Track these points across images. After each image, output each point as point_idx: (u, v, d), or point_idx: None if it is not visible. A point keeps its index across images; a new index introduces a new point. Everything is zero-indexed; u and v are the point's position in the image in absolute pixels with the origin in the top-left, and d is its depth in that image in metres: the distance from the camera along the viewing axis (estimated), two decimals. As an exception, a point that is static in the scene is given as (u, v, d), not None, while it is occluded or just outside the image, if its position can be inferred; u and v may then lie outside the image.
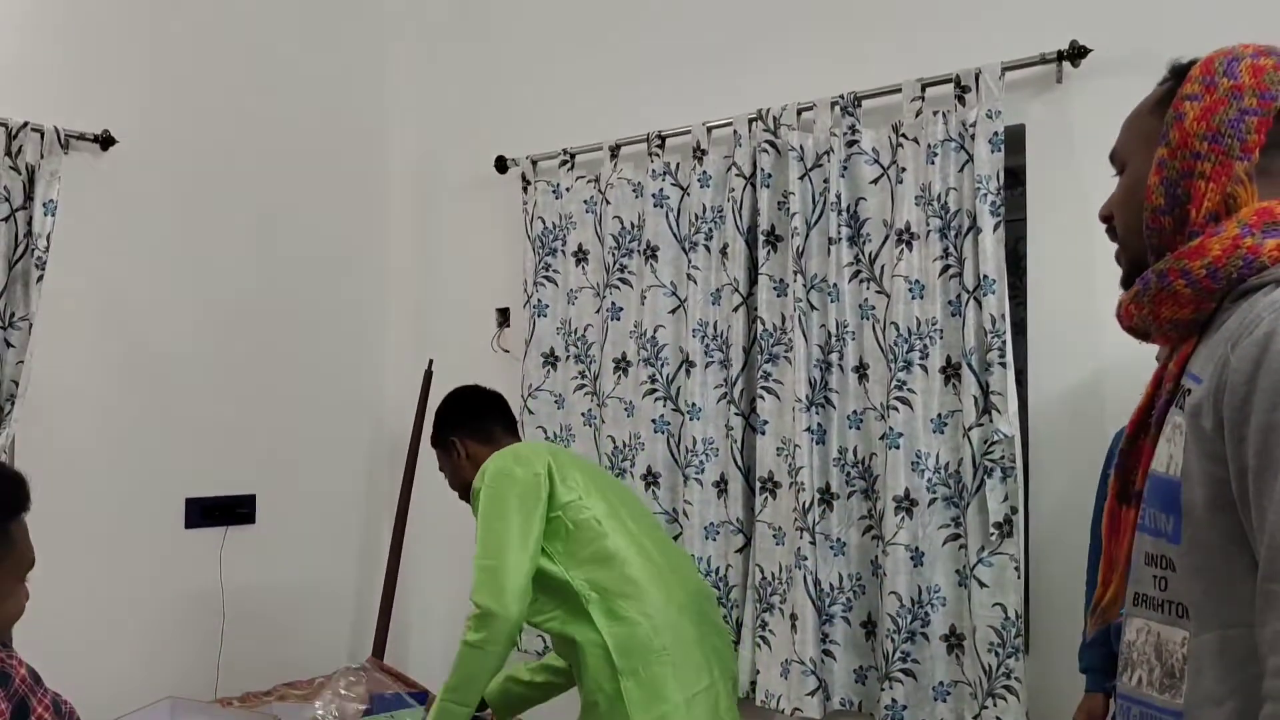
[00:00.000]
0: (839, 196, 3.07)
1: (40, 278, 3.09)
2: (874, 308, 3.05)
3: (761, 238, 3.21)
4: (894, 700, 2.97)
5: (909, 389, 2.95)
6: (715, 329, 3.34)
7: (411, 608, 4.17)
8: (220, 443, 3.71)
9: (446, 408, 2.88)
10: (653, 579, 2.53)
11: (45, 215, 3.10)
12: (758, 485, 3.23)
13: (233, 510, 3.72)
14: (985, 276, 2.81)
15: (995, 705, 2.82)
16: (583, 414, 3.64)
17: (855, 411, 3.10)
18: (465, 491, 2.76)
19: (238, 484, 3.77)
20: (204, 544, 3.65)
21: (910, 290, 2.95)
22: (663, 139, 3.47)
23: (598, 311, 3.62)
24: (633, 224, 3.53)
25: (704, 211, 3.34)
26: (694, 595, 2.65)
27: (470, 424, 2.81)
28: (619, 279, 3.55)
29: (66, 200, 3.15)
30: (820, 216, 3.13)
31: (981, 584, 2.84)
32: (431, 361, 3.99)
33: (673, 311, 3.44)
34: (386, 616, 3.96)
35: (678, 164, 3.46)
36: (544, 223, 3.74)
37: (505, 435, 2.82)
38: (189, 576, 3.61)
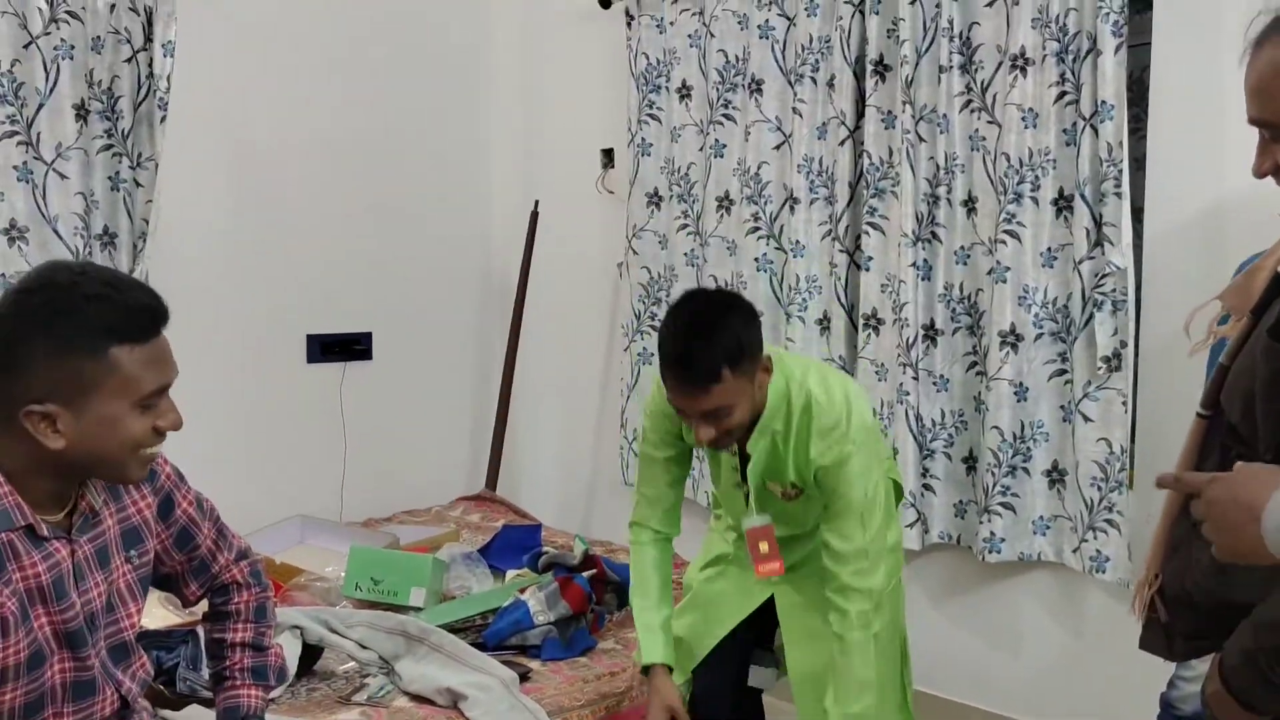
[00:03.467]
0: (951, 22, 2.96)
1: (164, 118, 3.19)
2: (984, 138, 2.97)
3: (870, 68, 3.13)
4: (992, 533, 3.00)
5: (1018, 222, 2.89)
6: (820, 164, 3.29)
7: (522, 443, 4.33)
8: (338, 282, 3.85)
9: (742, 318, 2.06)
10: None
11: (165, 56, 3.18)
12: (861, 322, 3.23)
13: (350, 347, 3.88)
14: (1103, 102, 2.70)
15: (1095, 539, 2.83)
16: (685, 254, 3.66)
17: (962, 246, 3.05)
18: (747, 428, 2.13)
19: (355, 322, 3.92)
20: (324, 378, 3.83)
21: (1023, 119, 2.86)
22: (769, -32, 3.37)
23: (701, 149, 3.59)
24: (737, 57, 3.47)
25: (810, 42, 3.26)
26: None
27: (759, 338, 2.10)
28: (723, 115, 3.50)
29: (184, 41, 3.22)
30: (931, 44, 3.03)
31: (1086, 418, 2.82)
32: (537, 203, 4.03)
33: (777, 148, 3.40)
34: (499, 451, 4.12)
35: (784, -7, 3.36)
36: (648, 59, 3.70)
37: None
38: (311, 408, 3.79)
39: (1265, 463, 1.32)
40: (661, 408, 2.19)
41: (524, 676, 2.39)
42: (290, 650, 2.28)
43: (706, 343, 1.96)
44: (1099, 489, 2.82)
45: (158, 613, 2.49)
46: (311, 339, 3.80)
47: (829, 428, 2.10)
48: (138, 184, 3.23)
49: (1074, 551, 2.91)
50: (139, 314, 1.48)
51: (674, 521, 2.33)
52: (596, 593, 2.73)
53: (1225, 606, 1.42)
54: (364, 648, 2.40)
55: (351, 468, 3.88)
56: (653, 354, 3.64)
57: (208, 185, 3.53)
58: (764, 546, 2.18)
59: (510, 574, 3.03)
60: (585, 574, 2.72)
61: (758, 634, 2.38)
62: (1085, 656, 2.98)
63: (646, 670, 2.25)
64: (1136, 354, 2.82)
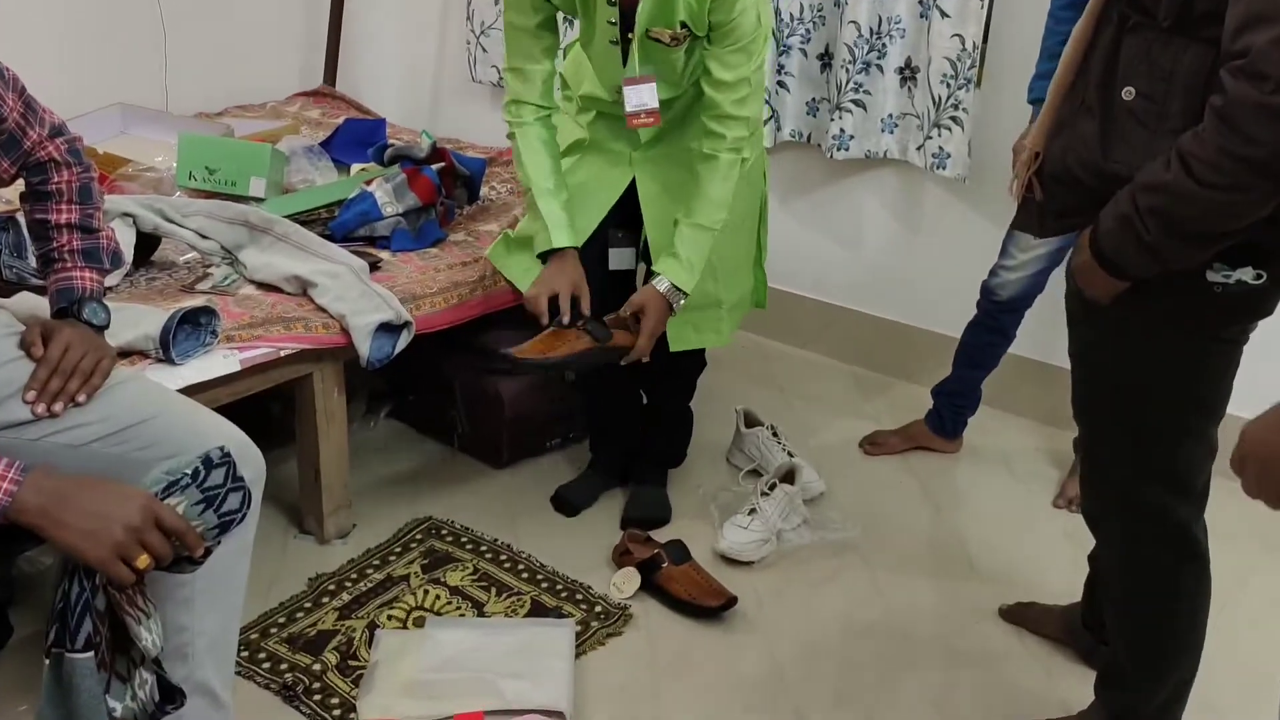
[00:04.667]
0: None
1: None
2: None
3: None
4: (842, 130, 3.02)
5: None
6: None
7: (360, 39, 4.07)
8: None
9: None
10: None
11: None
12: (723, -96, 3.03)
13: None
14: None
15: (939, 136, 2.89)
16: None
17: None
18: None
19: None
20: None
21: None
22: None
23: None
24: None
25: None
26: None
27: None
28: None
29: None
30: None
31: (944, 14, 2.78)
32: None
33: None
34: (335, 44, 3.86)
35: None
36: None
37: None
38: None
39: (1164, 31, 1.32)
40: None
41: (374, 266, 2.37)
42: (124, 238, 2.19)
43: None
44: (948, 86, 2.84)
45: (-28, 202, 2.34)
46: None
47: None
48: None
49: (918, 149, 2.97)
50: None
51: (551, 96, 2.25)
52: (445, 186, 2.67)
53: (1103, 179, 1.47)
54: (204, 237, 2.32)
55: (174, 58, 3.58)
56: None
57: None
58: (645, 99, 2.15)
59: (355, 168, 2.93)
60: (434, 166, 2.64)
61: (619, 223, 2.37)
62: (920, 250, 3.13)
63: (546, 257, 2.22)
64: (1000, -55, 2.75)
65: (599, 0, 2.10)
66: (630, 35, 2.12)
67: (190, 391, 1.96)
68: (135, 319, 1.97)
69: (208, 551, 1.44)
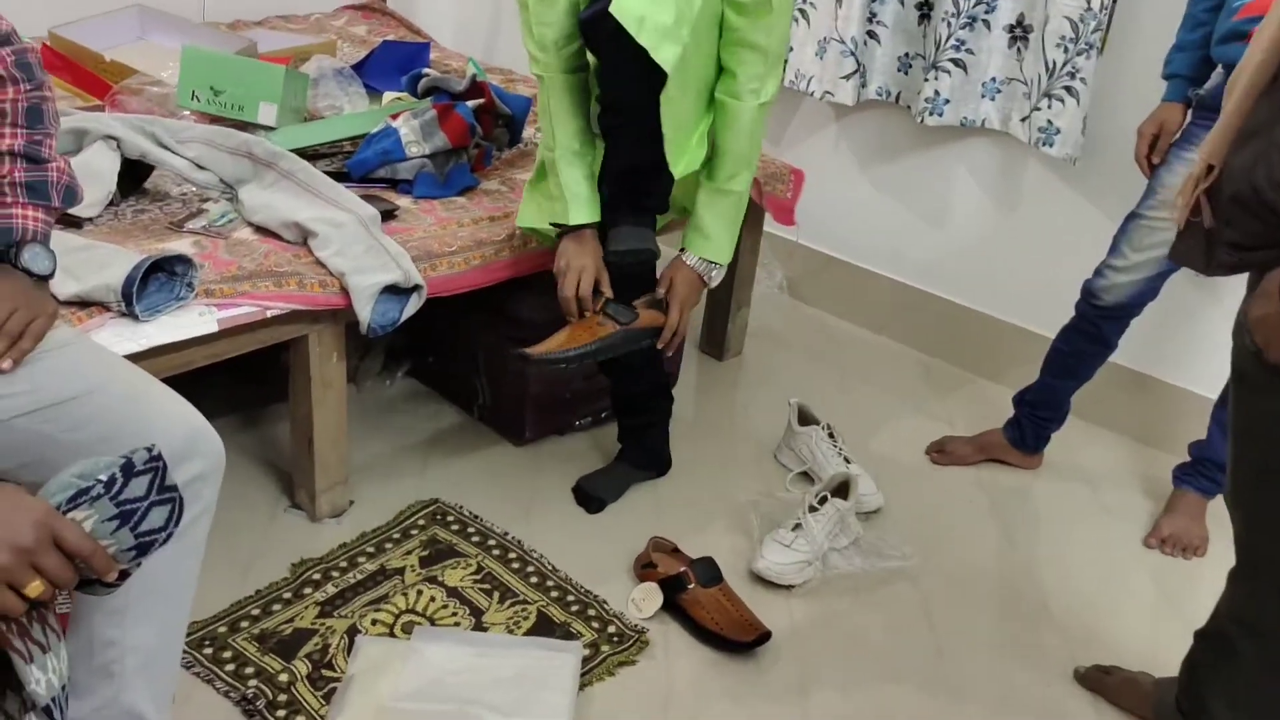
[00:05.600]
0: None
1: None
2: None
3: None
4: (936, 93, 2.66)
5: None
6: None
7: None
8: None
9: None
10: None
11: None
12: None
13: None
14: None
15: (1050, 107, 2.51)
16: None
17: None
18: None
19: None
20: None
21: None
22: None
23: None
24: None
25: None
26: None
27: None
28: None
29: None
30: None
31: (1070, -35, 2.40)
32: None
33: None
34: (389, -47, 3.55)
35: None
36: None
37: None
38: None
39: None
40: None
41: (389, 214, 2.08)
42: (104, 164, 1.92)
43: None
44: (1065, 50, 2.46)
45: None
46: None
47: None
48: None
49: (1023, 120, 2.60)
50: None
51: (583, 52, 1.94)
52: (483, 126, 2.37)
53: None
54: (201, 168, 2.05)
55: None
56: None
57: None
58: None
59: (387, 96, 2.63)
60: (470, 103, 2.34)
61: None
62: (1015, 235, 2.77)
63: (564, 232, 1.97)
64: (1146, -111, 2.35)
65: None
66: None
67: (159, 353, 1.71)
68: (103, 261, 1.70)
69: (124, 574, 1.18)
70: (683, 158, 1.93)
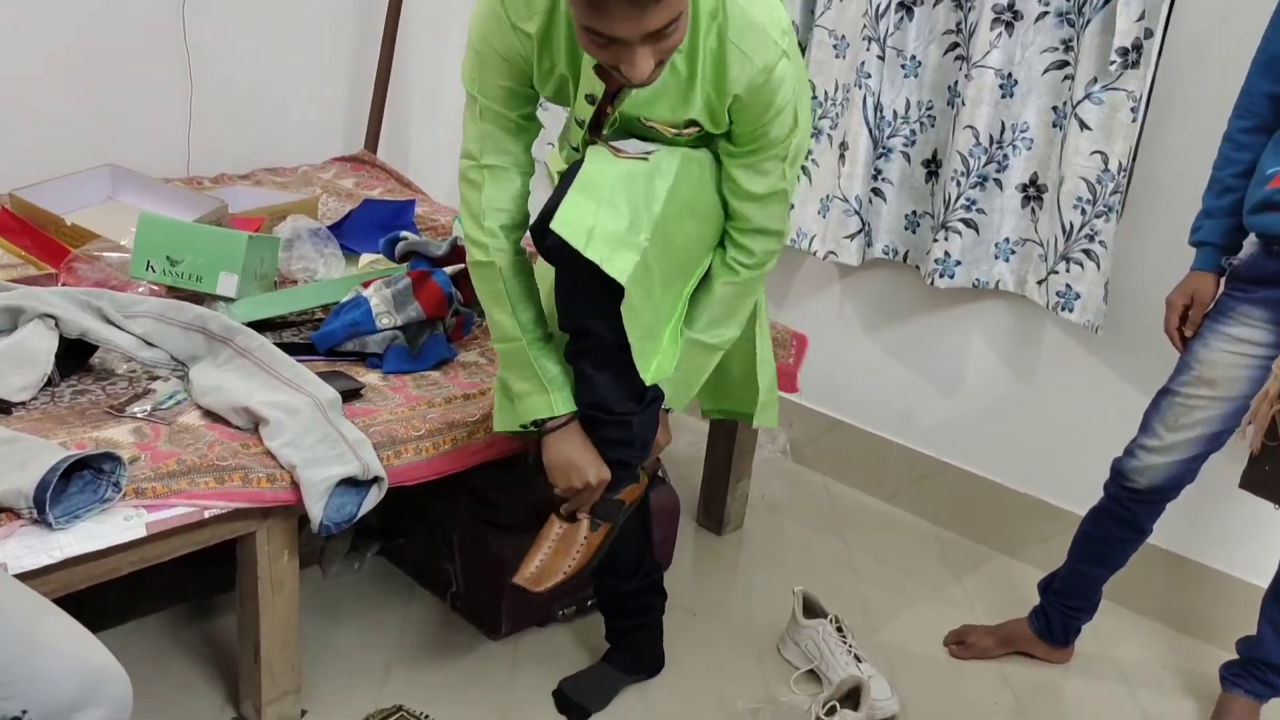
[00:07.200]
0: None
1: None
2: None
3: None
4: (947, 254, 2.51)
5: None
6: None
7: (412, 99, 3.68)
8: None
9: None
10: None
11: None
12: (823, -21, 2.58)
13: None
14: None
15: (1068, 271, 2.36)
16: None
17: (964, -112, 2.37)
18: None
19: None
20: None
21: None
22: None
23: None
24: None
25: None
26: None
27: None
28: None
29: None
30: None
31: (1084, 125, 2.27)
32: None
33: None
34: (381, 102, 3.47)
35: None
36: None
37: None
38: (144, 34, 3.07)
39: None
40: (505, 42, 1.61)
41: (353, 394, 1.91)
42: (39, 345, 1.76)
43: None
44: (1083, 212, 2.32)
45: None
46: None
47: (746, 28, 1.55)
48: None
49: (1039, 283, 2.45)
50: None
51: (525, 204, 1.79)
52: (464, 292, 2.22)
53: None
54: (149, 344, 1.89)
55: (201, 114, 3.22)
56: None
57: None
58: None
59: (364, 259, 2.50)
60: (450, 269, 2.20)
61: None
62: (1034, 405, 2.59)
63: (539, 428, 1.78)
64: (1161, 49, 2.24)
65: (578, 98, 1.66)
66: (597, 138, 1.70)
67: (76, 564, 1.51)
68: (23, 459, 1.52)
69: None
70: (653, 361, 1.75)
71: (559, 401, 1.74)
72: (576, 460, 1.74)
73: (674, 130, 1.66)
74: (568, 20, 1.56)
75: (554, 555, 1.78)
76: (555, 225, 1.55)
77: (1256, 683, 2.10)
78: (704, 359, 1.86)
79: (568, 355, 1.76)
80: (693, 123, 1.65)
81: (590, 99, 1.64)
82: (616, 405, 1.74)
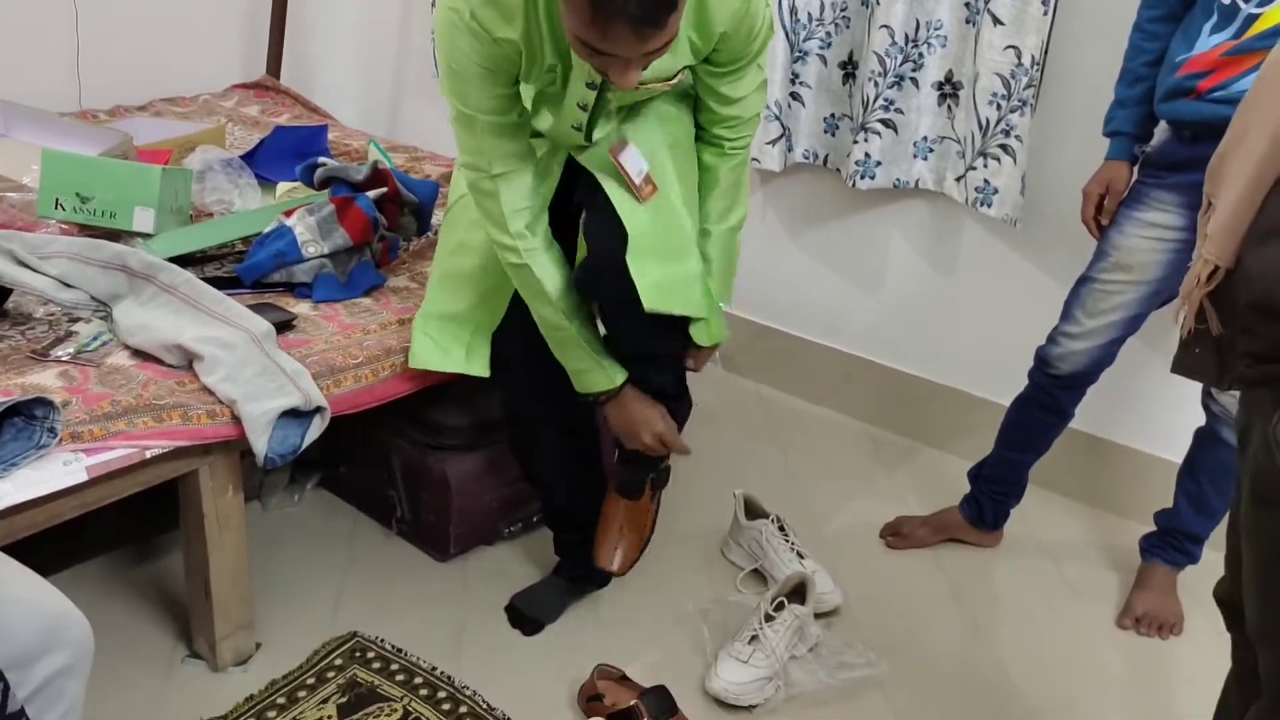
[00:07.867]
0: None
1: None
2: None
3: None
4: (867, 155, 2.54)
5: None
6: None
7: (313, 25, 3.56)
8: None
9: None
10: None
11: None
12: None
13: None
14: None
15: (986, 166, 2.41)
16: None
17: None
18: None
19: None
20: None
21: None
22: None
23: None
24: None
25: None
26: None
27: None
28: None
29: None
30: None
31: (997, 20, 2.30)
32: None
33: None
34: (280, 27, 3.36)
35: None
36: None
37: None
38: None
39: None
40: (487, 55, 1.57)
41: (286, 325, 1.88)
42: (-47, 291, 1.70)
43: None
44: (998, 108, 2.36)
45: None
46: None
47: None
48: None
49: (958, 180, 2.49)
50: None
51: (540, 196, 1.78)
52: (388, 216, 2.19)
53: None
54: (67, 285, 1.83)
55: (89, 44, 3.08)
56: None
57: None
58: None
59: (281, 188, 2.43)
60: (372, 193, 2.15)
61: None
62: (956, 300, 2.65)
63: (600, 399, 1.86)
64: (1071, -60, 2.27)
65: (574, 83, 1.65)
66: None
67: (19, 510, 1.48)
68: (-51, 409, 1.48)
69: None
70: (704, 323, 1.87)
71: (616, 374, 1.81)
72: (641, 416, 1.84)
73: (665, 83, 1.68)
74: (548, 14, 1.54)
75: (631, 533, 1.96)
76: (650, 308, 1.67)
77: (1174, 551, 2.22)
78: (732, 243, 1.90)
79: (603, 315, 1.81)
80: (682, 68, 1.68)
81: (591, 85, 1.63)
82: (659, 348, 1.83)
